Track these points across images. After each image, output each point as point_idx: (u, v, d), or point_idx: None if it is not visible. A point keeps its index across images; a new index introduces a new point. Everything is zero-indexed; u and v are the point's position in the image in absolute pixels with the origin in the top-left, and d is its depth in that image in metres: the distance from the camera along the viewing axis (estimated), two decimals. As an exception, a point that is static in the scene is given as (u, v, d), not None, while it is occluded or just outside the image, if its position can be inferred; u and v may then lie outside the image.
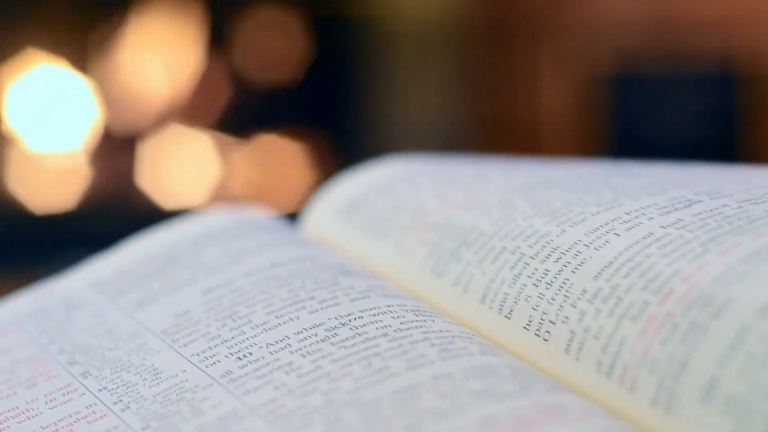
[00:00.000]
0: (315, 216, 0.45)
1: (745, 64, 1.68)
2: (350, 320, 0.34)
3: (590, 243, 0.35)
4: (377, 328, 0.33)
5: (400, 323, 0.34)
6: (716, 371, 0.28)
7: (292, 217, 0.47)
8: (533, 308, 0.34)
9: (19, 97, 1.71)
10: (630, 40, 1.72)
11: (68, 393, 0.34)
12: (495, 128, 1.81)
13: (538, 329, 0.33)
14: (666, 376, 0.29)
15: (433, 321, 0.34)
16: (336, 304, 0.35)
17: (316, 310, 0.35)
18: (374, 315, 0.34)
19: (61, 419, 0.33)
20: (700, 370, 0.29)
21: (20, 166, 1.71)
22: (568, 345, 0.32)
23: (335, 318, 0.34)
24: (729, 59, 1.69)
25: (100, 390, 0.34)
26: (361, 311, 0.34)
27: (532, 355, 0.33)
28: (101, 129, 1.72)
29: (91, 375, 0.35)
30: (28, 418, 0.34)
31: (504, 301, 0.35)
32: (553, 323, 0.33)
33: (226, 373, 0.33)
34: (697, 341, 0.29)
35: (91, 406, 0.33)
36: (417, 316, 0.34)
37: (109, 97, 1.72)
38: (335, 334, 0.33)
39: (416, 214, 0.41)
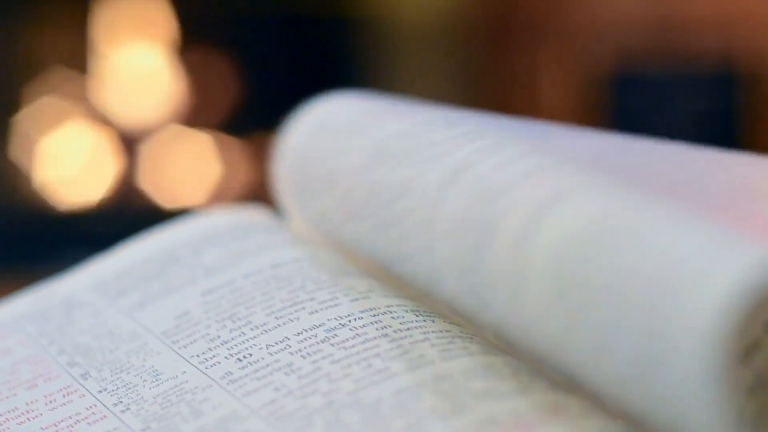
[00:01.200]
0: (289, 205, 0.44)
1: (745, 64, 1.69)
2: (350, 321, 0.34)
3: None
4: (377, 329, 0.33)
5: (400, 323, 0.34)
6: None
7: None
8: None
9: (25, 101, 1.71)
10: (630, 40, 1.72)
11: (68, 394, 0.34)
12: (495, 128, 1.81)
13: None
14: None
15: (433, 321, 0.34)
16: (336, 305, 0.35)
17: (316, 311, 0.35)
18: (374, 316, 0.34)
19: (61, 420, 0.33)
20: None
21: (20, 165, 1.71)
22: None
23: (335, 319, 0.34)
24: (729, 59, 1.69)
25: (100, 391, 0.34)
26: (360, 312, 0.34)
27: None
28: (104, 129, 1.72)
29: (91, 376, 0.35)
30: (28, 419, 0.34)
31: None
32: None
33: (226, 374, 0.33)
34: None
35: (91, 407, 0.33)
36: (417, 316, 0.34)
37: (111, 97, 1.72)
38: (335, 335, 0.33)
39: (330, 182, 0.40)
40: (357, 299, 0.35)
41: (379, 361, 0.32)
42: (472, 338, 0.33)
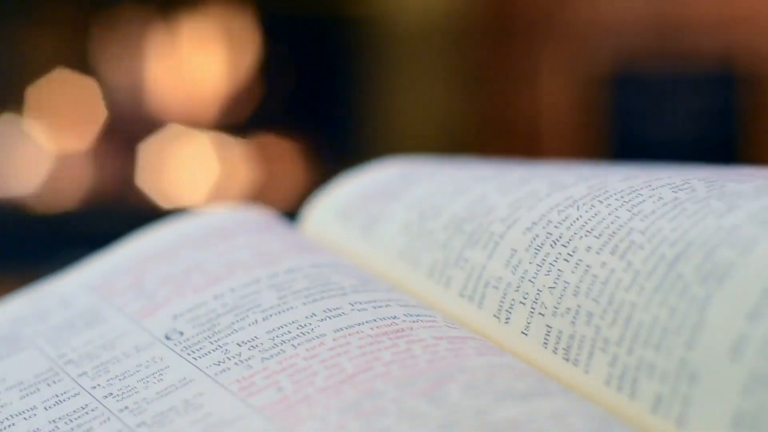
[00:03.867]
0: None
1: (745, 64, 1.68)
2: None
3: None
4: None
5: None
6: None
7: (290, 216, 0.47)
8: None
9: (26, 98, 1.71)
10: (630, 40, 1.72)
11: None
12: (495, 128, 1.81)
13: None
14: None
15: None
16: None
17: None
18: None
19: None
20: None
21: (22, 165, 1.71)
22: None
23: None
24: (729, 59, 1.69)
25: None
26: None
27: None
28: (102, 129, 1.72)
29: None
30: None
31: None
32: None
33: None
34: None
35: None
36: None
37: (110, 97, 1.72)
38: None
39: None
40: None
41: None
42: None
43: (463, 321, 0.36)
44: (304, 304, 0.35)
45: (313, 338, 0.33)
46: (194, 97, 1.74)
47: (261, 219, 0.43)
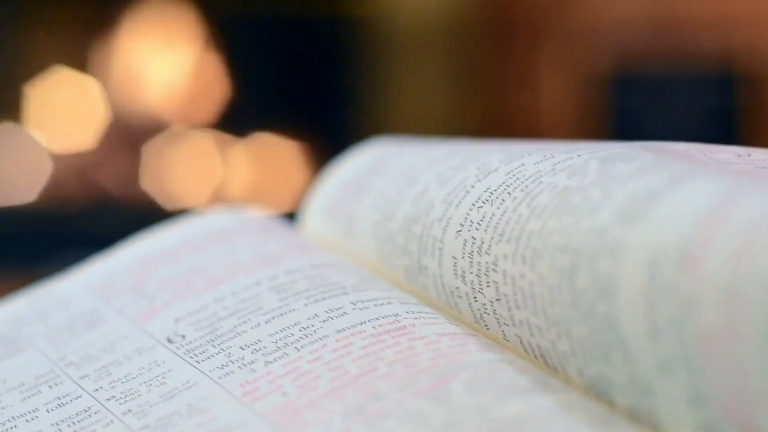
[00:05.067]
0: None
1: (745, 64, 1.68)
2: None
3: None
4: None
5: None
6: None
7: (290, 217, 0.46)
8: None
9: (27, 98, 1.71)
10: (630, 40, 1.72)
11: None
12: (495, 128, 1.81)
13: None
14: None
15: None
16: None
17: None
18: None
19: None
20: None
21: (23, 165, 1.71)
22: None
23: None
24: (729, 59, 1.69)
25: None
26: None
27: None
28: (105, 130, 1.72)
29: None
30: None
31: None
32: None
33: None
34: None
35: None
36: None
37: (112, 98, 1.72)
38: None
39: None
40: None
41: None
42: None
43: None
44: (306, 305, 0.35)
45: (315, 340, 0.33)
46: (195, 98, 1.74)
47: (260, 220, 0.43)
